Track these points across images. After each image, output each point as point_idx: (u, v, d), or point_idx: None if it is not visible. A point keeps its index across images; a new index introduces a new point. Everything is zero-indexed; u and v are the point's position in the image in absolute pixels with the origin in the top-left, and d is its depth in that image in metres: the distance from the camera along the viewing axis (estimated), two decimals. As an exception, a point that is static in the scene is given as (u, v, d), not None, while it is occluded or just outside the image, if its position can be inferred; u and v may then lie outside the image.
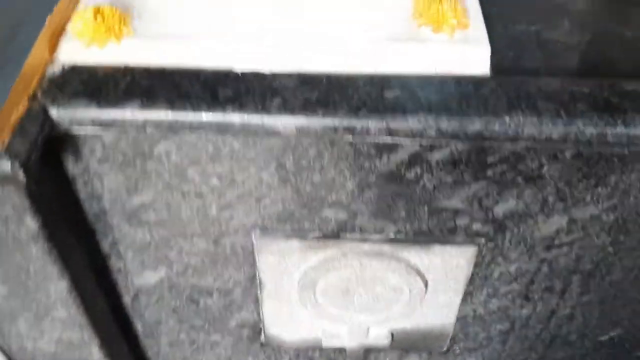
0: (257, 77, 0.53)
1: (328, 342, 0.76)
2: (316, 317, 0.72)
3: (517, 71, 0.55)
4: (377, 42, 0.55)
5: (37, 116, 0.49)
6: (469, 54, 0.54)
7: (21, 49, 0.51)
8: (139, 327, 0.77)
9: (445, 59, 0.54)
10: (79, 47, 0.54)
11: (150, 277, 0.69)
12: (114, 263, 0.67)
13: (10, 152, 0.46)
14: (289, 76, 0.53)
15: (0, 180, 0.47)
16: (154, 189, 0.58)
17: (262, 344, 0.79)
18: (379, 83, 0.52)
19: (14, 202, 0.51)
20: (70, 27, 0.54)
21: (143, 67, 0.53)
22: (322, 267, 0.65)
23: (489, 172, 0.56)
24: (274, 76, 0.53)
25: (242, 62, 0.53)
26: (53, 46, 0.54)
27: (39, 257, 0.56)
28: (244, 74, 0.53)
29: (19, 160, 0.46)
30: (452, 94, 0.52)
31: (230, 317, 0.76)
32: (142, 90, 0.51)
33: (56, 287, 0.60)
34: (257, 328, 0.77)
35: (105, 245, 0.65)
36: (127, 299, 0.73)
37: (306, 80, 0.52)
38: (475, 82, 0.53)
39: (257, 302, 0.72)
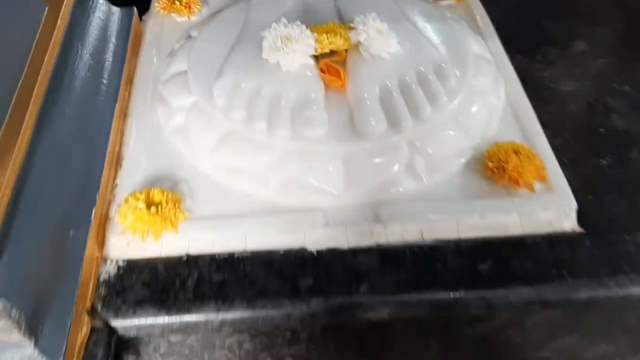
0: (335, 256, 0.48)
1: None
2: None
3: (601, 219, 0.51)
4: (457, 202, 0.50)
5: (101, 336, 0.44)
6: (555, 210, 0.50)
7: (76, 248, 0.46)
8: None
9: (530, 218, 0.50)
10: (132, 241, 0.48)
11: None
12: None
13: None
14: (370, 251, 0.48)
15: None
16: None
17: None
18: (468, 253, 0.48)
19: None
20: (119, 219, 0.49)
21: (208, 256, 0.48)
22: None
23: (584, 325, 0.52)
24: (353, 253, 0.48)
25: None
26: (101, 241, 0.48)
27: None
28: (319, 254, 0.48)
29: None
30: (549, 260, 0.48)
31: None
32: (214, 288, 0.46)
33: None
34: None
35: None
36: None
37: (389, 256, 0.48)
38: (569, 241, 0.49)
39: None
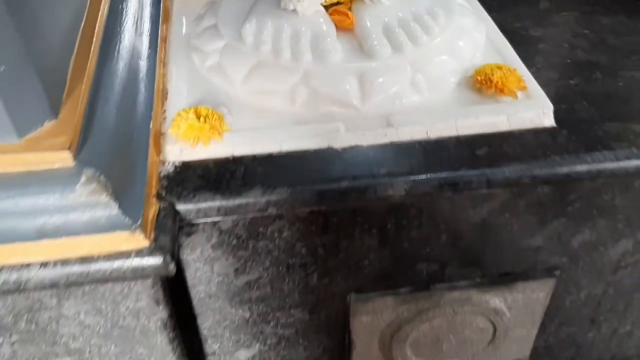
0: (357, 151, 0.57)
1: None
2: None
3: (574, 119, 0.61)
4: (455, 109, 0.60)
5: (170, 213, 0.52)
6: (535, 110, 0.60)
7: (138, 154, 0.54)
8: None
9: (516, 117, 0.60)
10: (184, 147, 0.57)
11: (243, 355, 0.71)
12: (210, 346, 0.68)
13: (159, 247, 0.48)
14: (385, 146, 0.58)
15: (149, 273, 0.49)
16: (261, 266, 0.61)
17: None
18: (467, 144, 0.58)
19: (150, 294, 0.52)
20: (172, 130, 0.57)
21: (251, 156, 0.57)
22: (415, 319, 0.68)
23: (569, 209, 0.61)
24: (371, 148, 0.57)
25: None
26: (158, 148, 0.57)
27: (162, 347, 0.58)
28: (344, 150, 0.57)
29: (167, 253, 0.48)
30: (534, 145, 0.58)
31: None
32: (259, 177, 0.54)
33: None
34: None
35: (204, 329, 0.66)
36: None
37: (401, 149, 0.57)
38: (549, 132, 0.59)
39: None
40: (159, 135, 0.58)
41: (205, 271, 0.60)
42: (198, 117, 0.57)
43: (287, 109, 0.61)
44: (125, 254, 0.47)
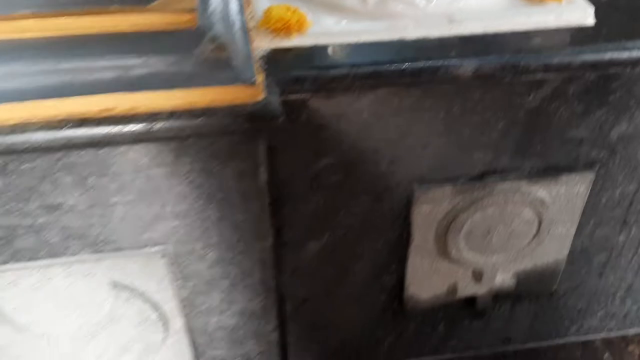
0: (427, 42, 0.65)
1: (462, 292, 0.85)
2: (456, 265, 0.82)
3: (613, 21, 0.70)
4: (508, 10, 0.69)
5: (271, 82, 0.59)
6: (578, 12, 0.69)
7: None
8: (288, 304, 0.84)
9: (562, 18, 0.68)
10: (274, 38, 0.64)
11: (313, 247, 0.78)
12: (285, 234, 0.75)
13: (270, 102, 0.56)
14: (451, 38, 0.66)
15: (262, 126, 0.56)
16: (339, 149, 0.68)
17: (399, 307, 0.88)
18: (522, 36, 0.66)
19: (257, 153, 0.60)
20: (262, 23, 0.65)
21: (333, 44, 0.64)
22: (470, 208, 0.76)
23: (611, 98, 0.69)
24: (438, 39, 0.65)
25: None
26: (252, 39, 0.64)
27: (257, 214, 0.65)
28: (415, 41, 0.65)
29: (277, 109, 0.56)
30: (581, 37, 0.66)
31: (373, 282, 0.84)
32: (344, 59, 0.62)
33: (262, 245, 0.68)
34: (396, 291, 0.86)
35: (280, 216, 0.73)
36: (285, 275, 0.80)
37: (465, 40, 0.66)
38: (593, 28, 0.68)
39: (401, 262, 0.82)
40: (251, 28, 0.66)
41: (289, 153, 0.67)
42: (285, 12, 0.65)
43: (360, 8, 0.69)
44: (243, 107, 0.55)
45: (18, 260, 0.62)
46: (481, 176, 0.74)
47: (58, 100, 0.52)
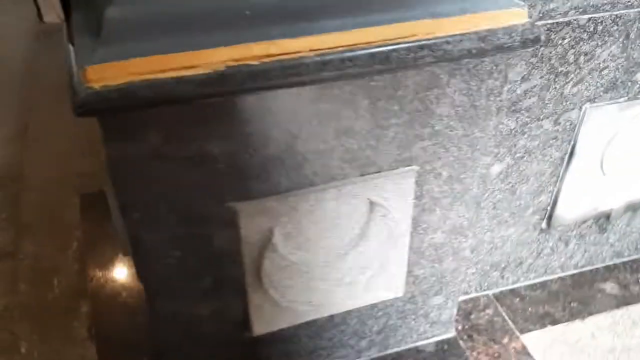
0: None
1: (605, 205, 0.98)
2: (607, 182, 0.94)
3: None
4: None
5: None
6: None
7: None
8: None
9: None
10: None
11: (495, 169, 0.88)
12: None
13: (535, 25, 0.66)
14: None
15: (528, 45, 0.66)
16: (540, 73, 0.79)
17: (546, 227, 1.00)
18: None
19: (516, 68, 0.70)
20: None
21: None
22: (629, 125, 0.89)
23: None
24: None
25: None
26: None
27: (492, 129, 0.75)
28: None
29: (539, 29, 0.66)
30: None
31: (531, 204, 0.96)
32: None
33: (484, 161, 0.78)
34: (545, 212, 0.98)
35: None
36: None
37: None
38: None
39: (556, 183, 0.94)
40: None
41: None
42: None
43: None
44: (515, 27, 0.65)
45: (301, 186, 0.69)
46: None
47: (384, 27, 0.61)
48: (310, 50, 0.59)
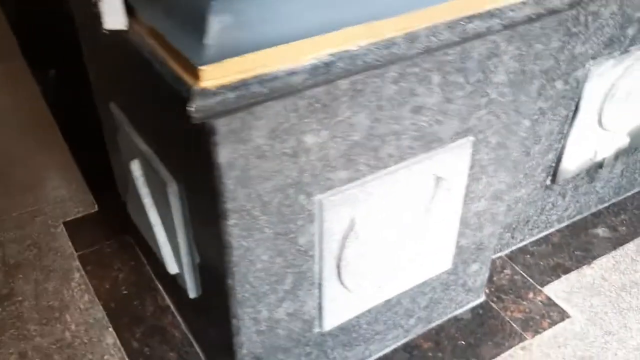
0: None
1: (599, 155, 1.06)
2: (603, 134, 1.02)
3: None
4: None
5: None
6: None
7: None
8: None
9: None
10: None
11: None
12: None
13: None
14: None
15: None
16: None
17: (550, 184, 1.05)
18: None
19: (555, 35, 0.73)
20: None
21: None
22: (623, 75, 0.96)
23: None
24: None
25: None
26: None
27: (533, 97, 0.78)
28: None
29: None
30: None
31: (541, 162, 1.01)
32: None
33: (531, 121, 0.81)
34: (551, 169, 1.04)
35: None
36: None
37: None
38: None
39: (561, 140, 0.99)
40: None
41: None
42: None
43: None
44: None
45: (377, 170, 0.69)
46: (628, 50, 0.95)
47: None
48: (399, 29, 0.59)
